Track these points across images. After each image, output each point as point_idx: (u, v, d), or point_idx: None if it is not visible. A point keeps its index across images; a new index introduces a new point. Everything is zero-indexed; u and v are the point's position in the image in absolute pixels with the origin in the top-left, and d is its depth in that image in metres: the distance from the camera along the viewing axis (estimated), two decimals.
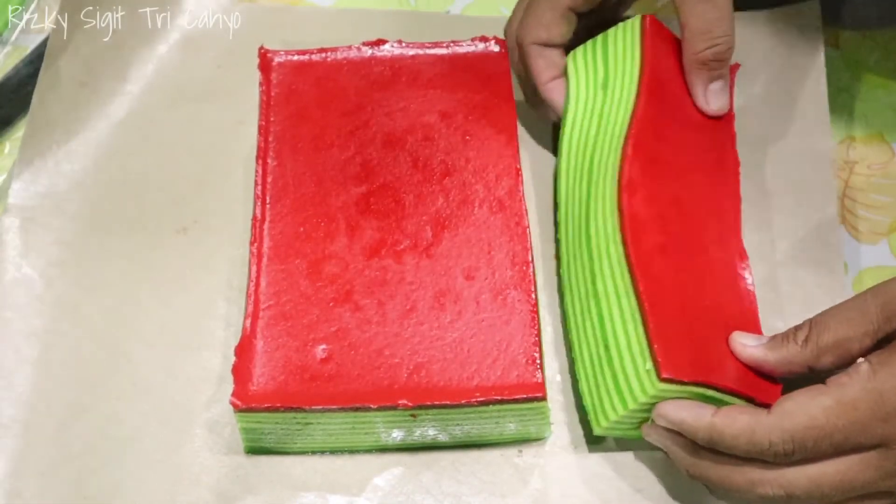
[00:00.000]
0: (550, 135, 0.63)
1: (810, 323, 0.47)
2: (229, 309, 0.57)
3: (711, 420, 0.46)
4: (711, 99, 0.57)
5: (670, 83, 0.56)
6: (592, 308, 0.50)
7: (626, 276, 0.49)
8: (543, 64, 0.59)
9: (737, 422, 0.45)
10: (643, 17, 0.57)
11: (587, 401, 0.50)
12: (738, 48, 0.64)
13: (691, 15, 0.55)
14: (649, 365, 0.47)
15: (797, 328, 0.47)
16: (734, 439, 0.45)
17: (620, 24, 0.58)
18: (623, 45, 0.57)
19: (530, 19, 0.58)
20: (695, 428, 0.46)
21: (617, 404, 0.48)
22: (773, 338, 0.48)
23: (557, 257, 0.57)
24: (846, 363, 0.46)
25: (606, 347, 0.49)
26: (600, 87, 0.57)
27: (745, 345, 0.48)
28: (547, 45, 0.58)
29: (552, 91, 0.59)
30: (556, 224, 0.57)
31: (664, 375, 0.46)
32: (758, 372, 0.48)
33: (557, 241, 0.56)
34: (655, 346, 0.46)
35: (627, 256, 0.49)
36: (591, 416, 0.50)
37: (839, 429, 0.43)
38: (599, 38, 0.59)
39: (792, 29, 0.64)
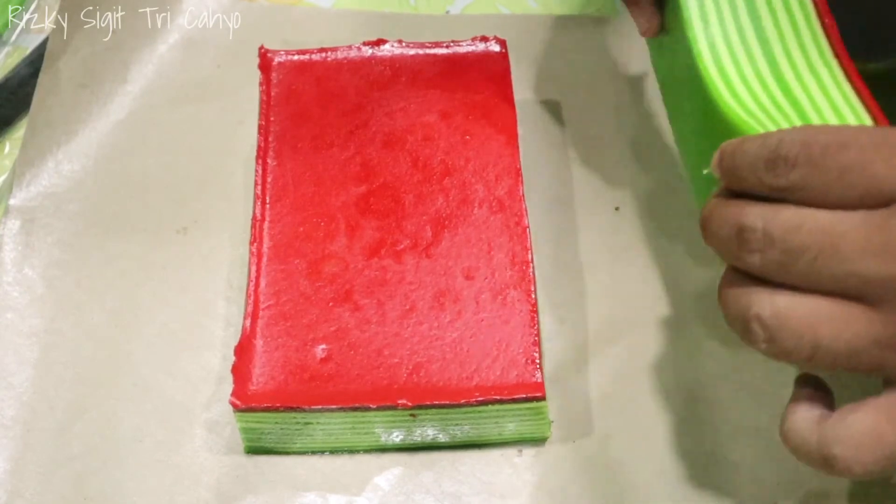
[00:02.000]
0: (548, 133, 0.63)
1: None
2: (229, 309, 0.57)
3: (744, 137, 0.41)
4: None
5: None
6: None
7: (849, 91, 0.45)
8: None
9: (763, 133, 0.40)
10: None
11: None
12: None
13: None
14: None
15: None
16: (753, 141, 0.39)
17: None
18: None
19: None
20: (728, 143, 0.40)
21: None
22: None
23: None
24: None
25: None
26: None
27: None
28: None
29: None
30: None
31: None
32: None
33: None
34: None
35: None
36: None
37: (861, 144, 0.36)
38: None
39: None
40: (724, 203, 0.39)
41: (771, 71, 0.46)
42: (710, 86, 0.46)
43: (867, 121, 0.42)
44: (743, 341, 0.39)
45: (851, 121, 0.43)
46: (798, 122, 0.43)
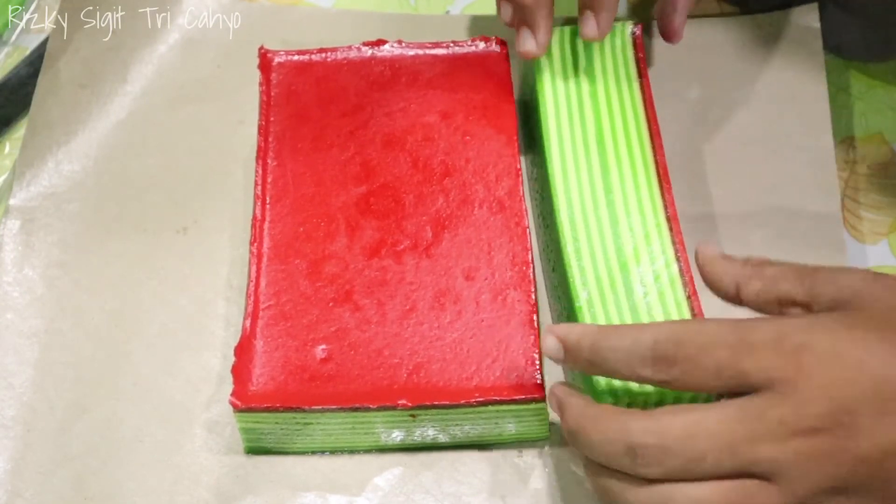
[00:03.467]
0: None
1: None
2: (229, 309, 0.57)
3: (598, 327, 0.44)
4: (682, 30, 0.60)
5: None
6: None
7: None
8: None
9: (623, 327, 0.44)
10: (636, 35, 0.59)
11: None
12: (739, 50, 0.65)
13: None
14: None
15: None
16: (621, 338, 0.42)
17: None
18: (612, 41, 0.58)
19: None
20: (581, 335, 0.43)
21: None
22: None
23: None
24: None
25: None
26: (582, 71, 0.57)
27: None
28: None
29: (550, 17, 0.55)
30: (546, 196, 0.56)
31: None
32: None
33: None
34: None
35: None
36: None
37: (728, 343, 0.40)
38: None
39: (791, 30, 0.64)
40: (602, 417, 0.42)
41: (618, 258, 0.51)
42: (566, 261, 0.51)
43: (685, 310, 0.48)
44: None
45: (672, 307, 0.48)
46: (626, 311, 0.49)
